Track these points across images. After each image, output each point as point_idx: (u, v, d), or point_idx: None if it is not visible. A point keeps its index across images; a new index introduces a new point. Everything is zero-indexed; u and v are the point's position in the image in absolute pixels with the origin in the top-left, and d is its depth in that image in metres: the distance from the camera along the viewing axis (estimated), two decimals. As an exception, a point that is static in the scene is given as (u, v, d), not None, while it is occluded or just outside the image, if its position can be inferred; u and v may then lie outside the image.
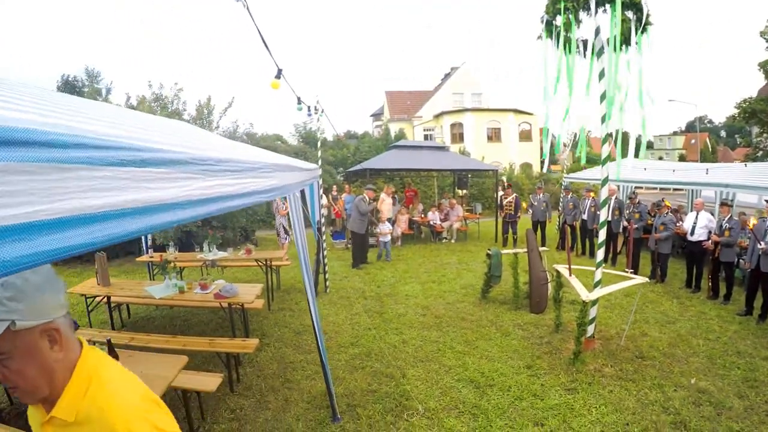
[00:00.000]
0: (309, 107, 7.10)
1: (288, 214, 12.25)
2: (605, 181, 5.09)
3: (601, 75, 4.58)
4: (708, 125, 76.43)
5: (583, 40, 5.24)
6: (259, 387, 4.45)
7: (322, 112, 7.60)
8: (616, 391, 4.26)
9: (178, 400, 3.70)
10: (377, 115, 42.16)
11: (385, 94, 38.03)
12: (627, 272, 5.44)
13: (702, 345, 5.40)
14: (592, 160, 23.15)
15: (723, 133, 70.44)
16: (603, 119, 4.87)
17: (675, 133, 65.94)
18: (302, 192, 7.04)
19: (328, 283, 7.65)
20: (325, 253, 7.53)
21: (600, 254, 5.06)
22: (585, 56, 5.23)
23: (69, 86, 17.02)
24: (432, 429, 3.70)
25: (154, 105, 13.63)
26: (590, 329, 5.10)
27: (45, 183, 1.02)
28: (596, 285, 5.05)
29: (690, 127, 69.58)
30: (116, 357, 2.96)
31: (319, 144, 7.70)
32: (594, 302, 4.97)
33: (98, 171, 1.20)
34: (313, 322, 3.80)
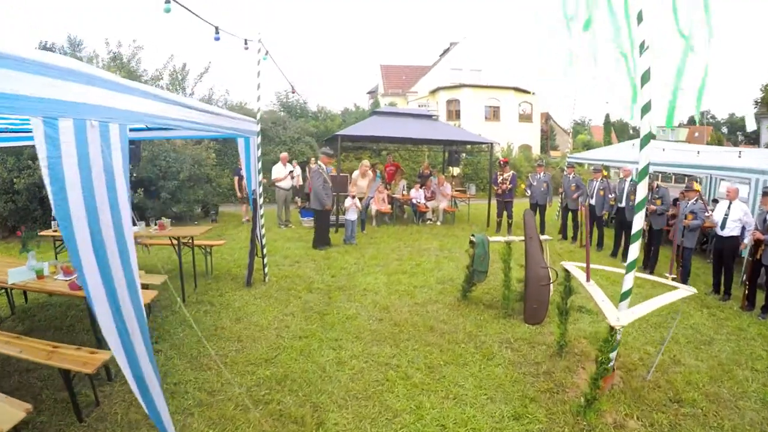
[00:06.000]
0: (246, 41, 5.35)
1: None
2: (646, 139, 3.43)
3: None
4: (711, 120, 74.85)
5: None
6: (120, 419, 2.88)
7: (267, 54, 5.82)
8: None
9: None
10: (373, 93, 40.11)
11: (380, 67, 35.90)
12: (667, 278, 3.81)
13: (751, 380, 3.96)
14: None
15: (725, 130, 69.01)
16: (641, 47, 3.20)
17: (680, 125, 64.27)
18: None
19: (267, 270, 5.97)
20: (262, 232, 5.84)
21: (634, 251, 3.42)
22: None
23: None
24: None
25: (112, 65, 11.82)
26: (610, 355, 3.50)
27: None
28: (624, 296, 3.43)
29: (691, 121, 67.72)
30: None
31: (257, 95, 5.77)
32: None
33: None
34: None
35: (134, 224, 5.56)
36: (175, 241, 5.34)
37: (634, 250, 3.44)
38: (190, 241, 5.58)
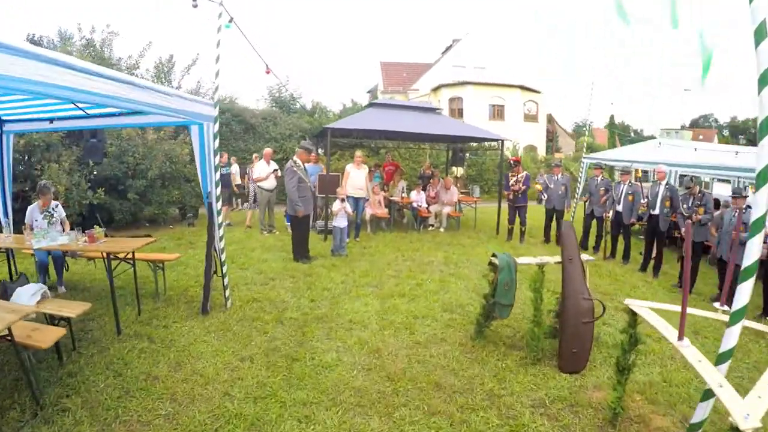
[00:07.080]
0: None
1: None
2: (765, 128, 2.29)
3: None
4: (713, 124, 74.18)
5: None
6: None
7: (231, 21, 4.66)
8: None
9: None
10: (372, 91, 38.96)
11: (380, 65, 34.72)
12: (762, 321, 2.66)
13: None
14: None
15: (726, 133, 68.18)
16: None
17: (683, 128, 63.36)
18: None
19: (229, 292, 4.79)
20: (222, 245, 4.66)
21: (744, 293, 2.26)
22: None
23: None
24: None
25: (85, 52, 10.68)
26: None
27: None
28: (724, 358, 2.28)
29: (694, 124, 66.89)
30: None
31: (216, 70, 4.58)
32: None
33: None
34: None
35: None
36: (110, 256, 4.17)
37: (745, 293, 2.28)
38: (131, 255, 4.41)
